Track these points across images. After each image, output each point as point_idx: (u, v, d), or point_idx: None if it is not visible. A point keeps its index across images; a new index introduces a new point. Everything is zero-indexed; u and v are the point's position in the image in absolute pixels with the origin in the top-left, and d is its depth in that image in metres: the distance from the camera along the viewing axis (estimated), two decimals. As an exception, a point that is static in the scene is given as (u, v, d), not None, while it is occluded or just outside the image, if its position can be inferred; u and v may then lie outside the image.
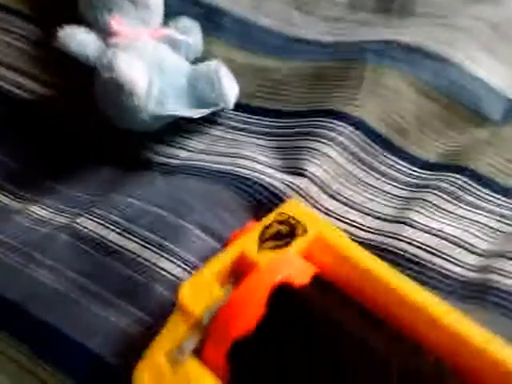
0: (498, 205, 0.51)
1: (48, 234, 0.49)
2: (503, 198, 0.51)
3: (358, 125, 0.54)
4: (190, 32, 0.59)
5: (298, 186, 0.50)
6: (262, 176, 0.51)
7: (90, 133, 0.57)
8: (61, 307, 0.43)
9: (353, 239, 0.48)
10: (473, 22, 0.60)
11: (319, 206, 0.50)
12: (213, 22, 0.62)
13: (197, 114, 0.53)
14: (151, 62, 0.53)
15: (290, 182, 0.50)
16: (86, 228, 0.48)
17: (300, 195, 0.50)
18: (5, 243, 0.48)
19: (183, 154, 0.54)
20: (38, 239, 0.48)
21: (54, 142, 0.57)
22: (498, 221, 0.50)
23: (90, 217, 0.49)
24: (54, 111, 0.58)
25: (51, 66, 0.60)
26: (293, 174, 0.51)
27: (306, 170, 0.51)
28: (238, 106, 0.57)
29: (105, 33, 0.56)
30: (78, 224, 0.48)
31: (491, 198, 0.51)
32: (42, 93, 0.59)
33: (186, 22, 0.60)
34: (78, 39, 0.55)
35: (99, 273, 0.45)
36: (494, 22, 0.60)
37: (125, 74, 0.50)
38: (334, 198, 0.51)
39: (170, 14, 0.61)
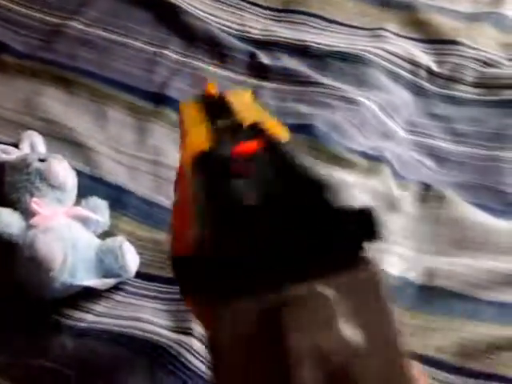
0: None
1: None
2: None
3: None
4: (99, 209, 0.70)
5: (187, 344, 0.61)
6: (156, 337, 0.61)
7: (5, 300, 0.65)
8: None
9: None
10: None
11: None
12: (119, 201, 0.74)
13: (103, 285, 0.63)
14: (66, 240, 0.63)
15: (181, 341, 0.61)
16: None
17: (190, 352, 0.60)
18: None
19: (90, 317, 0.64)
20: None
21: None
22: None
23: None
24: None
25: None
26: (183, 333, 0.62)
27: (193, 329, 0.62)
28: (138, 275, 0.67)
29: (26, 212, 0.67)
30: None
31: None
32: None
33: (96, 201, 0.71)
34: (4, 220, 0.65)
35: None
36: None
37: (43, 254, 0.60)
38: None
39: (82, 193, 0.72)
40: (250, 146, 0.43)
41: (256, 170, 0.41)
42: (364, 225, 0.37)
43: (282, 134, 0.46)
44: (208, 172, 0.42)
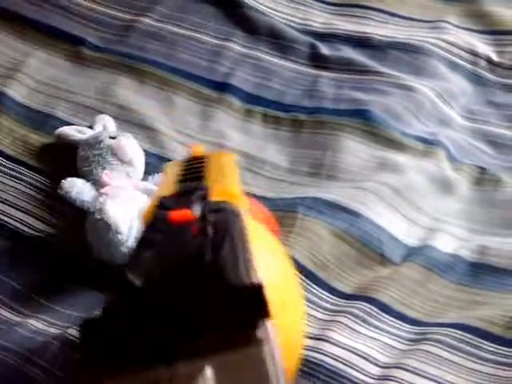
0: (395, 327, 0.65)
1: (43, 342, 0.62)
2: (399, 322, 0.66)
3: (291, 261, 0.69)
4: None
5: None
6: None
7: (79, 263, 0.71)
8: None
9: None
10: (378, 185, 0.77)
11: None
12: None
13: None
14: (133, 209, 0.69)
15: None
16: (74, 337, 0.61)
17: None
18: (6, 348, 0.61)
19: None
20: (34, 346, 0.62)
21: (50, 269, 0.71)
22: (396, 340, 0.64)
23: (78, 328, 0.62)
24: (51, 245, 0.73)
25: (52, 209, 0.76)
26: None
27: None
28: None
29: (97, 183, 0.73)
30: (68, 334, 0.62)
31: (391, 323, 0.66)
32: (43, 229, 0.74)
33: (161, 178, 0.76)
34: (78, 188, 0.71)
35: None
36: (394, 186, 0.78)
37: (112, 217, 0.66)
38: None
39: (149, 171, 0.78)
40: (182, 214, 0.43)
41: (164, 242, 0.41)
42: (254, 302, 0.36)
43: (240, 203, 0.46)
44: (143, 232, 0.43)
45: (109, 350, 0.36)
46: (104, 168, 0.73)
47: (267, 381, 0.36)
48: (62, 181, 0.72)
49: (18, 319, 0.66)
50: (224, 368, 0.35)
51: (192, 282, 0.37)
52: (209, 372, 0.35)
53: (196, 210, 0.44)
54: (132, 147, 0.76)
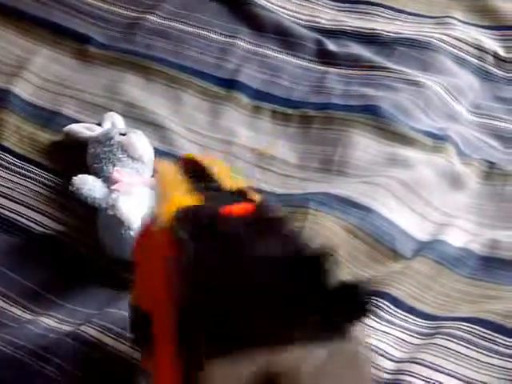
0: (408, 321, 0.65)
1: (56, 339, 0.62)
2: (412, 317, 0.66)
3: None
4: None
5: None
6: None
7: (90, 260, 0.71)
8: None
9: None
10: (388, 180, 0.77)
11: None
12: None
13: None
14: (143, 205, 0.68)
15: None
16: (86, 333, 0.61)
17: None
18: (19, 345, 0.61)
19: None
20: (46, 343, 0.61)
21: (61, 267, 0.71)
22: (409, 334, 0.64)
23: (90, 325, 0.62)
24: (62, 243, 0.72)
25: (62, 206, 0.76)
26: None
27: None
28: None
29: (108, 180, 0.73)
30: (81, 331, 0.62)
31: (403, 317, 0.66)
32: (53, 227, 0.74)
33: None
34: (89, 185, 0.71)
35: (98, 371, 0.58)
36: (404, 181, 0.78)
37: (125, 213, 0.66)
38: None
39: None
40: (240, 208, 0.43)
41: (244, 231, 0.41)
42: (354, 302, 0.37)
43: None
44: (195, 224, 0.42)
45: (212, 334, 0.35)
46: (114, 165, 0.73)
47: (363, 374, 0.37)
48: (73, 177, 0.72)
49: (29, 317, 0.66)
50: (330, 355, 0.35)
51: (295, 271, 0.37)
52: (322, 352, 0.35)
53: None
54: (142, 144, 0.76)
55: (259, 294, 0.36)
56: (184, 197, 0.47)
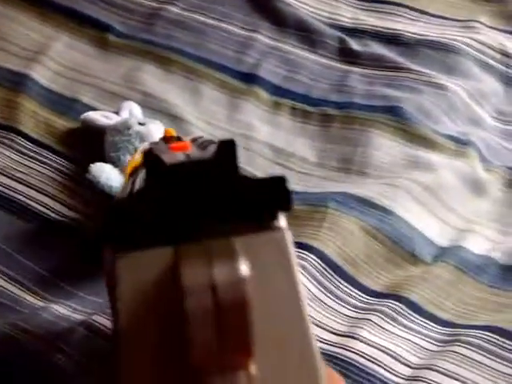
0: (426, 327, 0.64)
1: (68, 328, 0.61)
2: (430, 323, 0.64)
3: (320, 255, 0.68)
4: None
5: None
6: None
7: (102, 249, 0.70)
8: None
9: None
10: (409, 183, 0.76)
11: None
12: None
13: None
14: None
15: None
16: (98, 323, 0.60)
17: None
18: (30, 331, 0.60)
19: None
20: (59, 331, 0.60)
21: (74, 254, 0.70)
22: (426, 341, 0.63)
23: (103, 315, 0.61)
24: (76, 231, 0.71)
25: (76, 194, 0.75)
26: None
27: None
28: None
29: (124, 170, 0.71)
30: (93, 320, 0.60)
31: (421, 322, 0.64)
32: (68, 215, 0.73)
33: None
34: (106, 173, 0.69)
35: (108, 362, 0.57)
36: (426, 184, 0.76)
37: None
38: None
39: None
40: (183, 144, 0.46)
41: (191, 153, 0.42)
42: (276, 193, 0.37)
43: None
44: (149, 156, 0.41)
45: (127, 228, 0.36)
46: (132, 154, 0.72)
47: (290, 266, 0.36)
48: (91, 165, 0.71)
49: (41, 304, 0.65)
50: (248, 251, 0.35)
51: (216, 172, 0.37)
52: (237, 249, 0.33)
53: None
54: (161, 134, 0.75)
55: (177, 191, 0.36)
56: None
